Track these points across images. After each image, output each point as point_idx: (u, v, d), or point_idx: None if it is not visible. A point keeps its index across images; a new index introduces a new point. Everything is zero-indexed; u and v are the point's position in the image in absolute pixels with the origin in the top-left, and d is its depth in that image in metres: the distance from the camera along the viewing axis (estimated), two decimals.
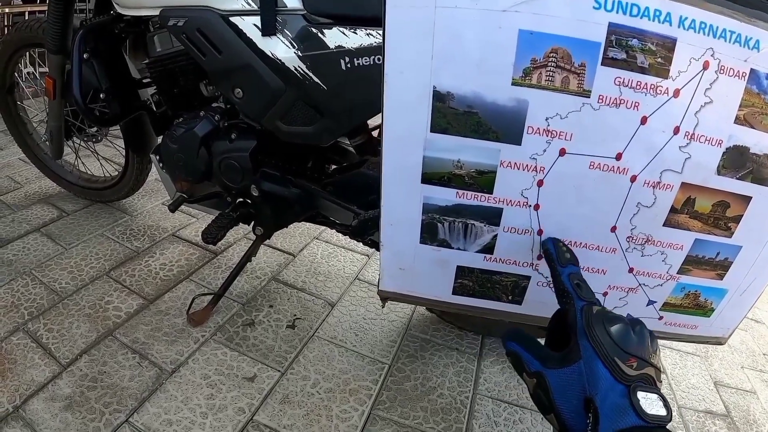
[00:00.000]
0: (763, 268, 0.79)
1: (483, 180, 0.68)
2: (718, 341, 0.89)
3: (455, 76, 0.61)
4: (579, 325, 0.58)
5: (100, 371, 1.07)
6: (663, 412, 0.50)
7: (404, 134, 0.66)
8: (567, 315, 0.61)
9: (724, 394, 1.38)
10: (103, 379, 1.05)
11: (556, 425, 0.55)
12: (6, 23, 2.50)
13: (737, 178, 0.68)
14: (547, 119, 0.63)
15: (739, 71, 0.62)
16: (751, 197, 0.70)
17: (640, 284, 0.78)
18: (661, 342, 0.66)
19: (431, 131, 0.65)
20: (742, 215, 0.71)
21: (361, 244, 1.16)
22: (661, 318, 0.82)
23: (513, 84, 0.61)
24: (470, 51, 0.60)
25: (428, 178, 0.69)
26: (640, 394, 0.51)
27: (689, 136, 0.64)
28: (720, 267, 0.77)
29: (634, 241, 0.72)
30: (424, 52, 0.61)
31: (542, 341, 0.64)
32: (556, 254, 0.67)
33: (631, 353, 0.55)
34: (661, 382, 0.56)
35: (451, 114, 0.63)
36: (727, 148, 0.66)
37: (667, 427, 0.50)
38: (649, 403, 0.51)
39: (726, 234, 0.73)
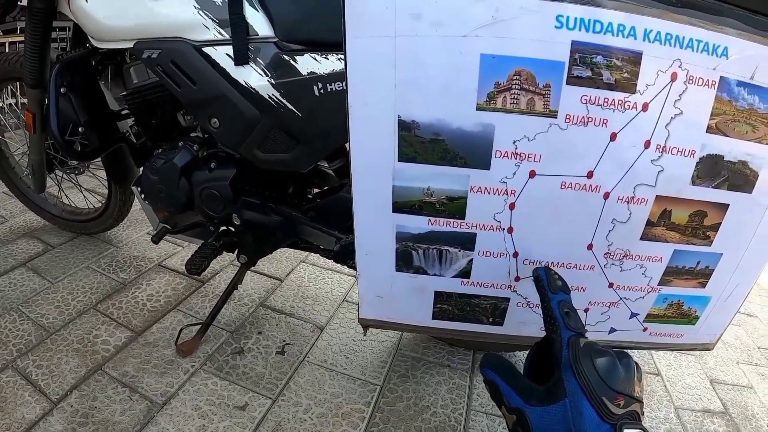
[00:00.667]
0: (745, 273, 0.78)
1: (454, 206, 0.67)
2: (706, 347, 0.89)
3: (419, 104, 0.61)
4: (564, 358, 0.56)
5: (90, 406, 1.06)
6: None
7: (372, 164, 0.66)
8: (553, 344, 0.60)
9: (720, 392, 1.38)
10: (94, 415, 1.04)
11: None
12: None
13: (713, 187, 0.68)
14: (514, 142, 0.62)
15: (708, 80, 0.61)
16: (728, 204, 0.70)
17: (621, 298, 0.77)
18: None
19: (399, 160, 0.64)
20: (720, 223, 0.71)
21: None
22: (645, 329, 0.82)
23: (478, 109, 0.60)
24: (433, 78, 0.60)
25: (399, 207, 0.68)
26: None
27: (661, 149, 0.64)
28: (701, 275, 0.77)
29: (611, 257, 0.72)
30: (386, 82, 0.60)
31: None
32: (548, 281, 0.65)
33: (619, 391, 0.53)
34: (644, 414, 0.55)
35: (417, 142, 0.63)
36: (700, 158, 0.65)
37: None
38: None
39: (705, 243, 0.73)
